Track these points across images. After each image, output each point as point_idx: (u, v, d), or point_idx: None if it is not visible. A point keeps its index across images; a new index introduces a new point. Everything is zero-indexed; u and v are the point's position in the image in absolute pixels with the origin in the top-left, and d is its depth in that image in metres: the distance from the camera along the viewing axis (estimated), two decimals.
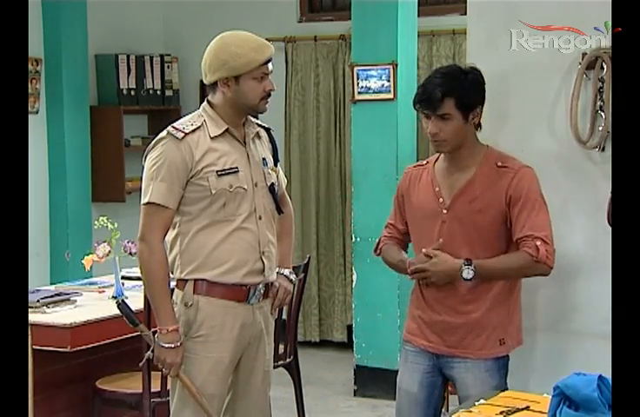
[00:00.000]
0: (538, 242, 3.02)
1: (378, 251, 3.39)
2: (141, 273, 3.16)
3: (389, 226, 3.38)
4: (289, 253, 3.47)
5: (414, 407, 3.24)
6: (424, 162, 3.30)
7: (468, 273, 3.04)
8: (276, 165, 3.33)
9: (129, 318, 3.21)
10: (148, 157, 3.15)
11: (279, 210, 3.30)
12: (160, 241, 3.12)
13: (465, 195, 3.12)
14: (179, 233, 3.15)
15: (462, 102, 3.05)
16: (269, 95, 3.17)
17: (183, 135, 3.10)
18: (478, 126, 3.15)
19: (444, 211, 3.15)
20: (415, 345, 3.24)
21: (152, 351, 3.16)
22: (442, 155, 3.21)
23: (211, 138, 3.14)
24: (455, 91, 3.04)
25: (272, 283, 3.28)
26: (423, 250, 3.11)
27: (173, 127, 3.14)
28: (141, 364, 3.42)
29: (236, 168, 3.16)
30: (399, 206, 3.32)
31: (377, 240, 3.41)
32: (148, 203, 3.10)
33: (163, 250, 3.13)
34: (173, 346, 3.09)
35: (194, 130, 3.13)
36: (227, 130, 3.17)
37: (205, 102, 3.23)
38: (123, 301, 3.26)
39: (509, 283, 3.14)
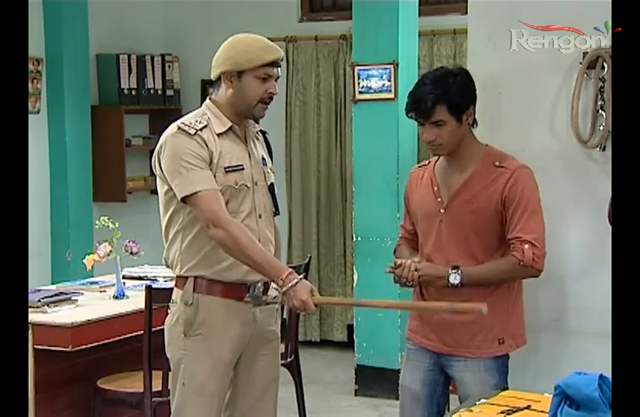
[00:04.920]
0: (526, 246, 3.02)
1: (393, 252, 3.39)
2: (233, 254, 3.06)
3: (401, 227, 3.39)
4: (279, 252, 3.45)
5: (416, 404, 3.24)
6: (427, 162, 3.31)
7: (455, 277, 3.05)
8: None
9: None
10: (165, 155, 3.10)
11: (277, 210, 3.29)
12: (229, 217, 3.05)
13: (462, 194, 3.12)
14: (181, 229, 3.14)
15: (453, 106, 3.04)
16: (270, 99, 3.16)
17: (194, 131, 3.08)
18: (474, 123, 3.15)
19: (442, 211, 3.15)
20: (415, 343, 3.25)
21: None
22: None
23: (217, 135, 3.14)
24: (445, 97, 3.02)
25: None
26: (407, 261, 3.09)
27: (183, 123, 3.11)
28: (278, 307, 3.34)
29: (242, 165, 3.16)
30: (406, 206, 3.33)
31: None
32: (195, 193, 3.03)
33: (235, 222, 3.06)
34: (290, 285, 3.00)
35: (201, 128, 3.12)
36: (231, 128, 3.17)
37: (207, 100, 3.22)
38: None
39: (508, 282, 3.13)
